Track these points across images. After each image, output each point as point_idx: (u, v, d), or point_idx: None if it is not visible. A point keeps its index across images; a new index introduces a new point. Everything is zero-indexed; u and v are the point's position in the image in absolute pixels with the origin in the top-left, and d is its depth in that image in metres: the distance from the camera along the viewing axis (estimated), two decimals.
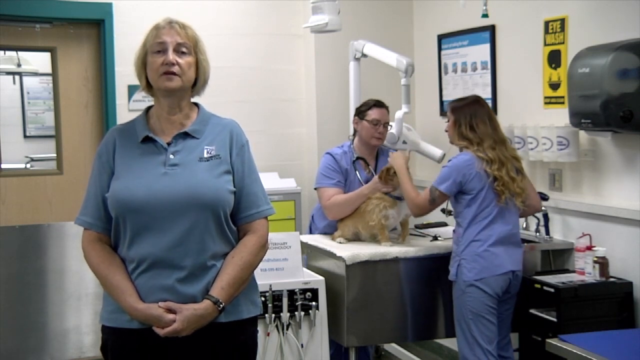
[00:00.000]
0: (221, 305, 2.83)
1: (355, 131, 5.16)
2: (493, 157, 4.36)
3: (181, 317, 2.77)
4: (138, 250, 2.83)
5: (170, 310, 2.79)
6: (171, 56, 2.85)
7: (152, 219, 2.80)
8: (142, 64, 2.94)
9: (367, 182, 4.94)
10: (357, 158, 5.06)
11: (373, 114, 5.02)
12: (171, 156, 2.88)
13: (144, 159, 2.90)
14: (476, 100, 4.57)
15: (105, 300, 2.96)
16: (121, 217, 2.84)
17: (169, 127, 2.95)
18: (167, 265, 2.80)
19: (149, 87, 2.97)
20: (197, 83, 2.98)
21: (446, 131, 4.63)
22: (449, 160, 4.48)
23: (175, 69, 2.86)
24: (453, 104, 4.59)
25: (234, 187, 2.93)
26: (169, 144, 2.91)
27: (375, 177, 4.76)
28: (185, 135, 2.93)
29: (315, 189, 5.11)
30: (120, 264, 2.87)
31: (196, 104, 3.06)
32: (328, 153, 5.09)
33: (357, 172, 5.03)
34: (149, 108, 3.04)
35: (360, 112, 5.08)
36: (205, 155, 2.90)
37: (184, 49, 2.89)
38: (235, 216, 2.95)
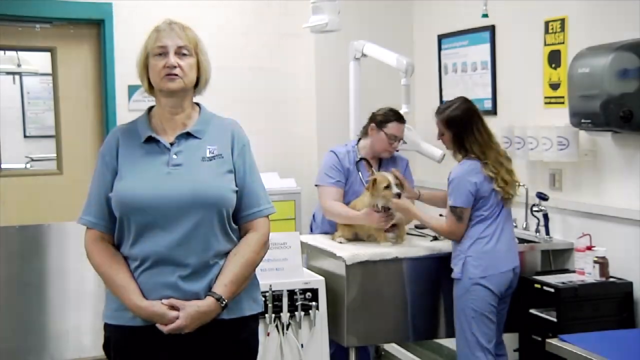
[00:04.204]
0: (224, 302, 2.85)
1: (364, 133, 5.11)
2: (497, 169, 4.35)
3: (184, 313, 2.79)
4: (142, 248, 2.85)
5: (173, 308, 2.81)
6: (172, 59, 2.89)
7: (156, 219, 2.83)
8: (144, 67, 2.97)
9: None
10: (361, 159, 5.04)
11: (393, 129, 4.97)
12: (174, 156, 2.91)
13: (147, 159, 2.93)
14: (467, 107, 4.48)
15: (108, 299, 2.97)
16: (125, 217, 2.86)
17: (171, 127, 2.98)
18: (171, 263, 2.83)
19: (151, 88, 3.00)
20: (199, 83, 3.01)
21: (439, 139, 4.60)
22: (450, 172, 4.45)
23: (177, 71, 2.89)
24: (445, 116, 4.49)
25: (236, 186, 2.95)
26: (171, 144, 2.94)
27: (370, 210, 4.69)
28: (188, 135, 2.96)
29: (316, 185, 5.11)
30: (123, 263, 2.89)
31: (197, 104, 3.09)
32: (332, 151, 5.09)
33: (359, 173, 5.02)
34: (150, 108, 3.07)
35: (380, 122, 4.99)
36: (208, 155, 2.94)
37: (184, 51, 2.92)
38: (237, 215, 2.97)
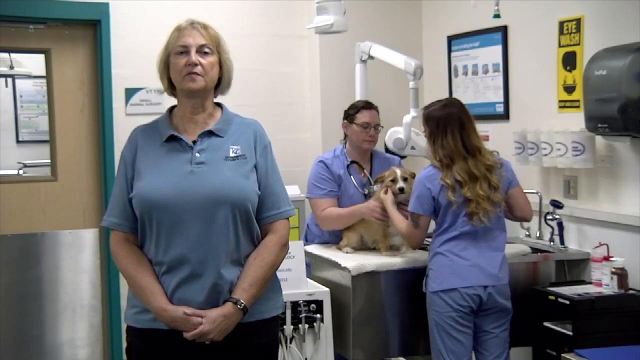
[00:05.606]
0: (242, 305, 2.89)
1: (345, 135, 5.13)
2: (463, 178, 4.17)
3: (207, 319, 2.85)
4: (164, 248, 2.90)
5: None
6: (194, 57, 2.96)
7: (179, 217, 2.88)
8: (165, 66, 3.04)
9: (362, 186, 4.94)
10: (351, 162, 5.01)
11: (362, 117, 5.00)
12: (197, 154, 2.96)
13: (169, 157, 2.98)
14: (451, 111, 4.30)
15: (130, 301, 3.04)
16: (147, 215, 2.92)
17: (192, 127, 3.03)
18: (192, 263, 2.89)
19: (171, 88, 3.07)
20: (222, 82, 3.09)
21: (426, 137, 4.47)
22: None
23: (198, 69, 2.96)
24: (426, 112, 4.37)
25: (258, 187, 3.02)
26: (194, 142, 2.99)
27: (372, 201, 4.68)
28: (210, 133, 3.02)
29: (307, 198, 5.10)
30: (148, 265, 2.95)
31: (219, 105, 3.15)
32: (320, 160, 5.08)
33: (351, 177, 4.97)
34: (172, 108, 3.12)
35: (349, 116, 5.07)
36: (231, 154, 3.00)
37: (206, 50, 3.00)
38: (257, 216, 3.03)
